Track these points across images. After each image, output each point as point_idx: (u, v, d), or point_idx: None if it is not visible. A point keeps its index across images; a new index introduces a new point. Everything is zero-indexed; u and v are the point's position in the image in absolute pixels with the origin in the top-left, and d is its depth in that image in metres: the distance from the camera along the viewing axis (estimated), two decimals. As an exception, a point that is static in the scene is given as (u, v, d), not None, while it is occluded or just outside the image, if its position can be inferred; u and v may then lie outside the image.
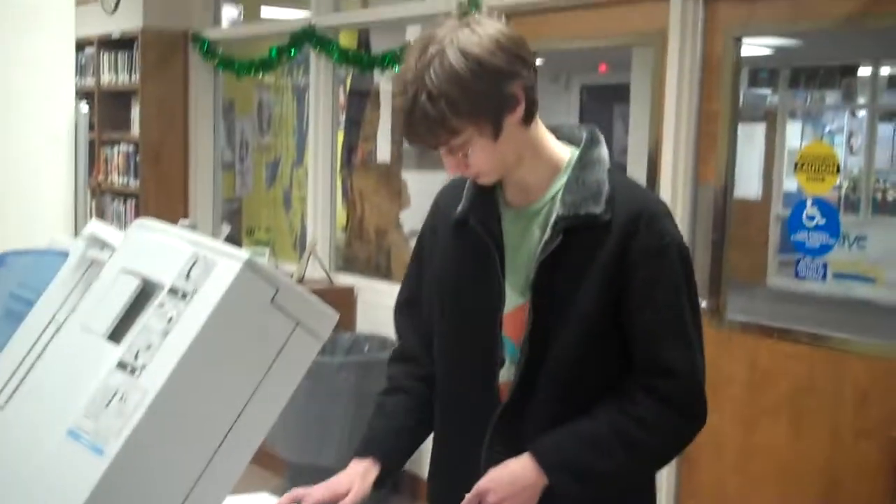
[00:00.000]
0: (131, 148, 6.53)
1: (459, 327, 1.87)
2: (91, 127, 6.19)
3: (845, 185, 7.79)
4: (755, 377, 3.59)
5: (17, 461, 1.23)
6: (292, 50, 5.60)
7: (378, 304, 4.95)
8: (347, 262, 5.90)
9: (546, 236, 1.75)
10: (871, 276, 3.56)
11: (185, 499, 1.20)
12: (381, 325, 4.85)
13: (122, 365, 1.19)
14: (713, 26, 3.67)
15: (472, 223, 1.82)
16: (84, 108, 3.45)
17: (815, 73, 7.78)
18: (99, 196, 6.85)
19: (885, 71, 7.50)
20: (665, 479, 3.76)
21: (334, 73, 5.56)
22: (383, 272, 5.82)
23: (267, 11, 6.81)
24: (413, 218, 5.81)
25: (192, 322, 1.17)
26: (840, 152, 8.34)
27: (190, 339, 1.16)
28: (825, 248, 3.44)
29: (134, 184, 6.49)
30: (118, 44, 6.54)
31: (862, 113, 8.20)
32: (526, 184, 1.81)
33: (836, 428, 3.37)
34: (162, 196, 6.40)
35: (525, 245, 1.80)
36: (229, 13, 6.68)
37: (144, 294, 1.24)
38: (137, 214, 6.32)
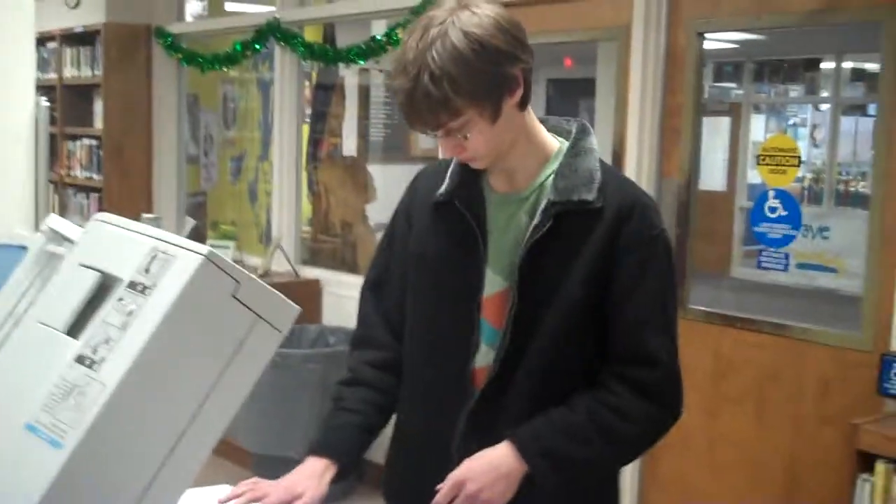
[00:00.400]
0: (94, 142, 6.48)
1: (436, 308, 1.85)
2: (53, 121, 6.18)
3: (809, 176, 7.88)
4: (719, 366, 3.63)
5: (-25, 456, 1.23)
6: (257, 44, 5.58)
7: (344, 297, 4.95)
8: (313, 255, 5.90)
9: (536, 220, 1.75)
10: (833, 266, 3.60)
11: (145, 491, 1.20)
12: (346, 318, 4.85)
13: (80, 359, 1.19)
14: (676, 21, 3.70)
15: (457, 204, 1.81)
16: (44, 102, 3.42)
17: (779, 67, 7.86)
18: (62, 190, 6.80)
19: (847, 65, 7.58)
20: (629, 468, 3.77)
21: (299, 67, 5.55)
22: (349, 265, 5.82)
23: (231, 6, 6.78)
24: (379, 211, 5.81)
25: (151, 316, 1.17)
26: (803, 145, 8.43)
27: (149, 334, 1.16)
28: (787, 239, 3.47)
29: (97, 178, 6.45)
30: (81, 38, 6.49)
31: (825, 106, 8.28)
32: (514, 170, 1.80)
33: (798, 416, 3.41)
34: (125, 190, 6.36)
35: (511, 230, 1.79)
36: (193, 7, 6.64)
37: (103, 288, 1.24)
38: (101, 208, 6.27)
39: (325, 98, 6.32)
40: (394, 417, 1.96)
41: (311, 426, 4.30)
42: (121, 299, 1.20)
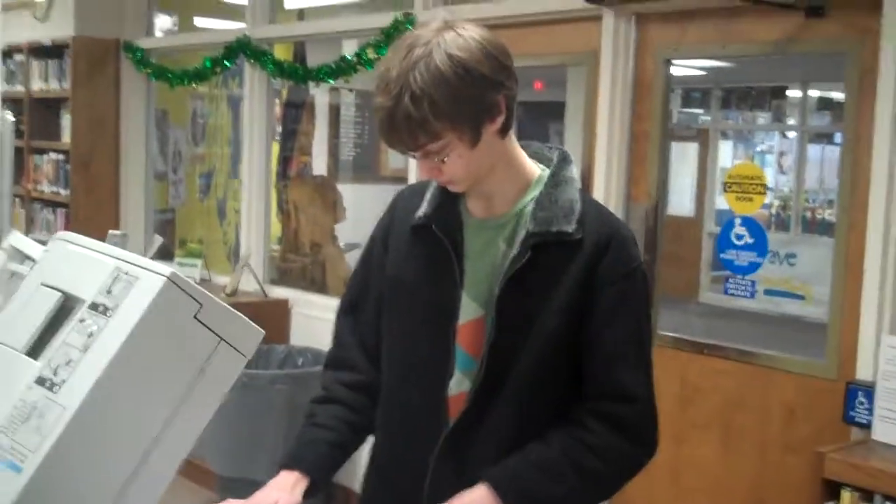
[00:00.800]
0: (61, 156, 6.43)
1: (412, 332, 1.84)
2: (20, 135, 6.12)
3: (776, 203, 7.94)
4: (686, 392, 3.63)
5: (-71, 479, 1.20)
6: (227, 61, 5.56)
7: (312, 318, 4.92)
8: (282, 274, 5.86)
9: (514, 252, 1.74)
10: (800, 293, 3.62)
11: (105, 516, 1.18)
12: (315, 339, 4.82)
13: (41, 381, 1.17)
14: (644, 48, 3.73)
15: (434, 228, 1.80)
16: (9, 116, 3.39)
17: (747, 95, 7.92)
18: (29, 204, 6.73)
19: (814, 93, 7.66)
20: (596, 494, 3.77)
21: (269, 84, 5.53)
22: (318, 285, 5.79)
23: (201, 22, 6.75)
24: (348, 231, 5.79)
25: (112, 338, 1.15)
26: (770, 172, 8.50)
27: (110, 355, 1.14)
28: (753, 267, 3.49)
29: (64, 192, 6.38)
30: (49, 51, 6.44)
31: (792, 134, 8.36)
32: (492, 195, 1.80)
33: (764, 443, 3.42)
34: (92, 205, 6.30)
35: (488, 256, 1.78)
36: (163, 23, 6.61)
37: (65, 309, 1.22)
38: (67, 223, 6.21)
39: (295, 116, 6.30)
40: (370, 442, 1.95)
41: (279, 448, 4.26)
42: (82, 320, 1.18)
